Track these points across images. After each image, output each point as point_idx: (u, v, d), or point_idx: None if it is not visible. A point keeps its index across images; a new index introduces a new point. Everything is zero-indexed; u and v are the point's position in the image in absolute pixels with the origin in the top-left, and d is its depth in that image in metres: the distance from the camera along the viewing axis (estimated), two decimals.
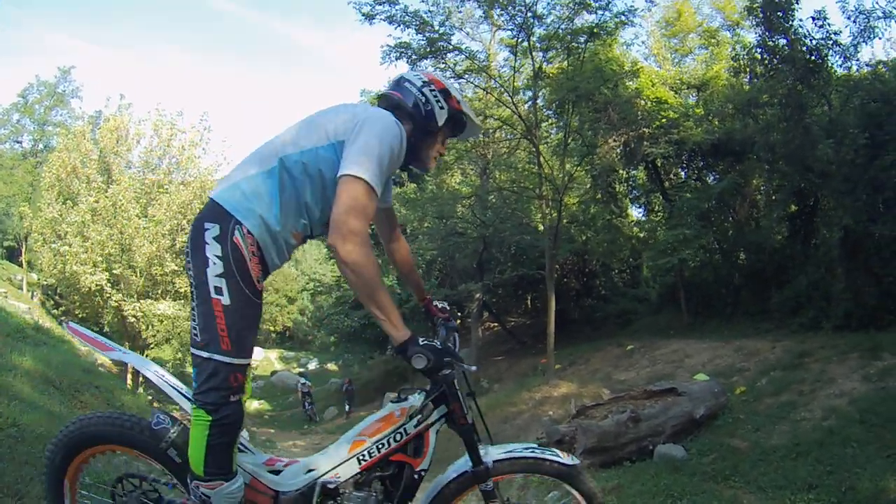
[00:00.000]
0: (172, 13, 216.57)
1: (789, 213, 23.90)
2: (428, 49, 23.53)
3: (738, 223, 26.99)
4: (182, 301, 32.22)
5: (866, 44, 19.62)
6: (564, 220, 26.64)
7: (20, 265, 55.01)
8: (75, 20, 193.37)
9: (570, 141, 24.89)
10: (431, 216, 33.68)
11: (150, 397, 31.68)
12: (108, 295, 30.84)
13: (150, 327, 32.12)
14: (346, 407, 40.66)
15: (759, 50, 21.14)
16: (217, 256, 3.31)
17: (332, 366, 59.06)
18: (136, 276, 31.30)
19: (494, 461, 3.81)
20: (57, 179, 32.49)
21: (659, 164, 27.52)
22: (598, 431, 11.80)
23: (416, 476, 3.76)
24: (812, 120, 19.50)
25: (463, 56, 25.19)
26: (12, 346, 10.77)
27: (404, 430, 3.72)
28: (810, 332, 18.19)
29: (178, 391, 3.82)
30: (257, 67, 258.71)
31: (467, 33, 26.99)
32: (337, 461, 3.64)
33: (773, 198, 25.47)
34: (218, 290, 3.30)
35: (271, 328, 74.27)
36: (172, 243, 32.09)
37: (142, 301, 31.52)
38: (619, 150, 27.30)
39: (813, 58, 19.30)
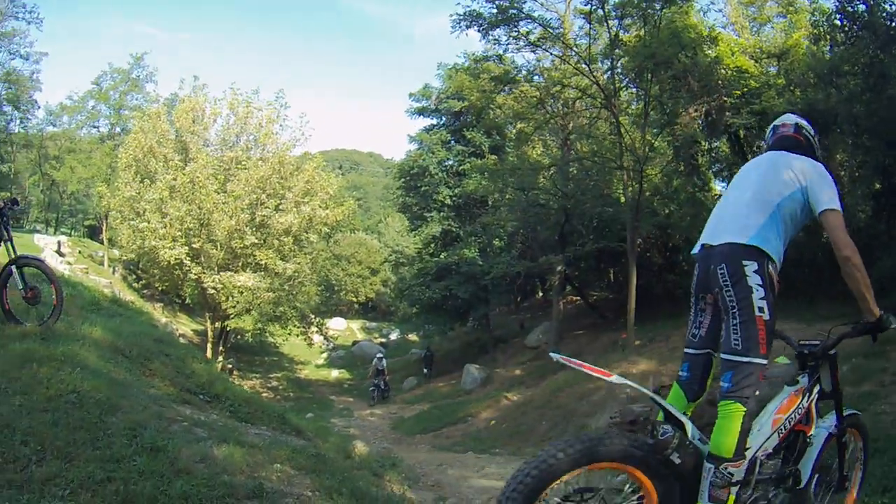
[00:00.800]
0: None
1: (874, 190, 23.05)
2: (499, 17, 23.32)
3: None
4: (261, 273, 32.94)
5: None
6: (647, 193, 26.28)
7: (101, 242, 56.81)
8: (150, 7, 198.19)
9: (650, 110, 24.44)
10: (513, 187, 33.62)
11: (229, 366, 32.45)
12: (187, 268, 31.69)
13: (229, 298, 32.74)
14: (425, 371, 41.41)
15: (838, 17, 20.48)
16: (759, 285, 4.15)
17: (413, 336, 59.55)
18: (215, 250, 31.94)
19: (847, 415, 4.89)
20: (134, 160, 33.33)
21: (741, 136, 26.91)
22: None
23: (807, 440, 4.60)
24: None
25: (536, 25, 24.86)
26: (85, 317, 11.00)
27: (802, 405, 4.53)
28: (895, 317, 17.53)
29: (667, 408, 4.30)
30: (330, 46, 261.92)
31: (541, 3, 26.71)
32: (765, 437, 4.25)
33: (857, 174, 24.57)
34: (761, 310, 4.11)
35: (353, 299, 75.00)
36: (252, 217, 32.71)
37: (222, 273, 32.18)
38: (700, 121, 26.76)
39: (894, 24, 18.55)
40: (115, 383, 7.31)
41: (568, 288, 38.67)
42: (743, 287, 4.16)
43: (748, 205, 4.50)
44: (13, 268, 8.65)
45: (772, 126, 5.10)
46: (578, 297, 42.54)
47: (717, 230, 4.54)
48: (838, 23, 20.57)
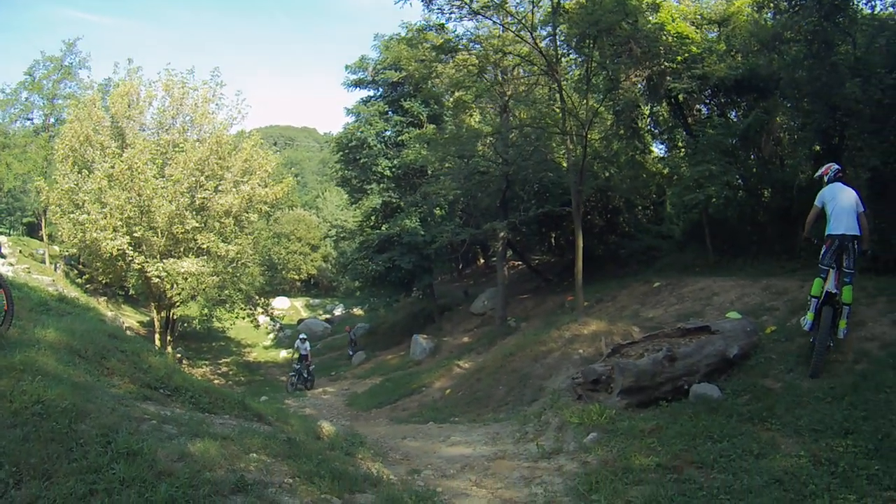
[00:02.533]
0: None
1: (815, 152, 23.39)
2: None
3: (762, 161, 26.48)
4: (204, 257, 32.57)
5: None
6: (588, 157, 26.39)
7: (41, 239, 55.76)
8: None
9: (592, 77, 24.55)
10: (452, 156, 33.61)
11: (178, 356, 32.22)
12: (130, 258, 31.12)
13: (174, 286, 32.49)
14: (350, 353, 42.42)
15: None
16: (860, 250, 11.19)
17: (358, 310, 59.63)
18: (157, 237, 31.51)
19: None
20: (70, 150, 32.61)
21: (682, 100, 27.09)
22: (636, 370, 11.76)
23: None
24: (838, 58, 19.14)
25: None
26: (35, 319, 10.87)
27: None
28: None
29: None
30: (261, 19, 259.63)
31: None
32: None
33: (798, 136, 24.85)
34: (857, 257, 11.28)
35: (296, 277, 74.81)
36: (192, 200, 32.29)
37: (165, 261, 31.75)
38: (641, 86, 26.92)
39: None
40: (78, 388, 7.20)
41: (510, 253, 38.82)
42: (854, 250, 10.89)
43: (849, 214, 10.91)
44: None
45: (835, 168, 11.54)
46: (521, 262, 42.97)
47: (844, 226, 10.89)
48: None
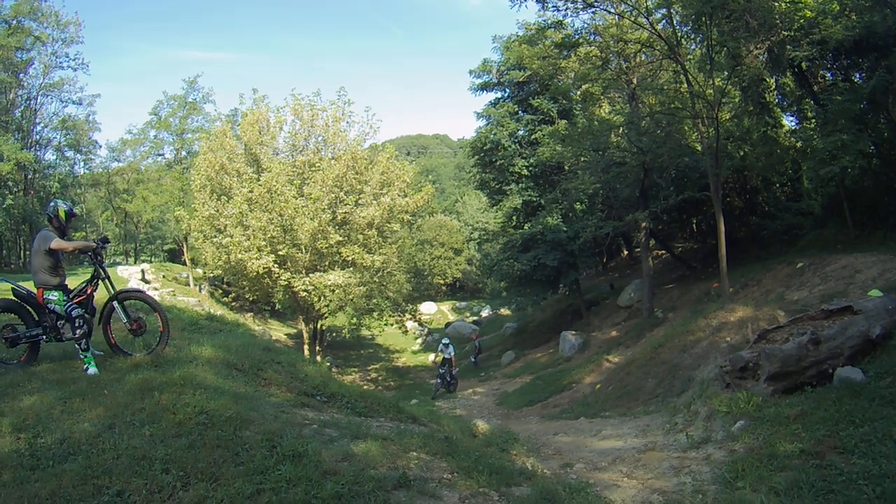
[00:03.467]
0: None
1: None
2: None
3: (893, 124, 25.58)
4: (350, 269, 33.58)
5: None
6: (721, 138, 26.16)
7: (183, 264, 58.44)
8: (196, 33, 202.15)
9: (714, 55, 24.37)
10: (587, 150, 33.68)
11: (328, 363, 33.26)
12: (276, 275, 32.55)
13: (321, 298, 33.53)
14: (473, 360, 43.12)
15: None
16: None
17: (504, 311, 59.93)
18: (301, 253, 32.83)
19: None
20: (207, 179, 34.54)
21: (805, 68, 26.56)
22: (781, 356, 11.76)
23: None
24: None
25: None
26: (189, 338, 11.63)
27: None
28: None
29: None
30: (381, 36, 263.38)
31: None
32: None
33: None
34: None
35: (440, 281, 75.60)
36: (333, 216, 33.41)
37: (311, 275, 32.99)
38: (763, 59, 26.50)
39: None
40: (239, 398, 7.77)
41: (652, 242, 38.57)
42: None
43: None
44: (115, 303, 9.22)
45: None
46: (664, 251, 42.65)
47: None
48: None
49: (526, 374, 33.57)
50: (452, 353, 32.93)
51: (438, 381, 32.44)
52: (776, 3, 24.82)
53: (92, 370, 8.55)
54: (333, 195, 33.45)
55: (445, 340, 34.16)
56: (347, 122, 37.54)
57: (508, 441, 10.28)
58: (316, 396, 9.89)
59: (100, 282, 9.15)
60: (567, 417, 19.08)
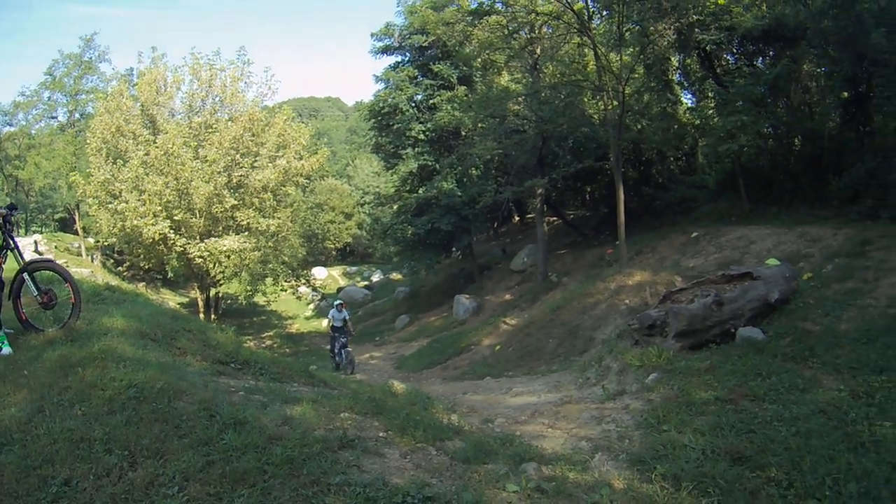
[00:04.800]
0: None
1: (842, 99, 23.72)
2: None
3: (792, 109, 26.66)
4: (245, 234, 33.25)
5: None
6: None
7: (75, 233, 56.24)
8: None
9: (623, 31, 24.89)
10: (487, 116, 33.88)
11: (233, 328, 32.87)
12: (172, 241, 31.80)
13: (217, 265, 33.08)
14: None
15: None
16: None
17: (396, 275, 60.12)
18: (196, 218, 32.15)
19: None
20: (103, 142, 33.23)
21: (710, 51, 27.35)
22: (688, 315, 12.57)
23: None
24: (863, 8, 19.41)
25: None
26: (95, 309, 11.17)
27: None
28: (868, 221, 18.45)
29: None
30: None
31: None
32: None
33: (826, 84, 25.21)
34: None
35: (331, 246, 75.30)
36: (229, 179, 32.96)
37: (206, 241, 32.51)
38: (671, 39, 27.19)
39: None
40: (165, 368, 7.56)
41: (546, 209, 39.18)
42: None
43: None
44: (25, 275, 8.63)
45: None
46: (557, 218, 43.22)
47: None
48: None
49: (422, 337, 33.94)
50: (347, 317, 25.79)
51: (337, 356, 25.45)
52: None
53: (6, 350, 8.14)
54: (230, 157, 32.95)
55: (337, 301, 27.24)
56: (246, 83, 37.20)
57: (427, 400, 10.50)
58: (230, 364, 9.82)
59: (9, 252, 8.54)
60: (471, 378, 19.55)
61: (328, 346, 28.07)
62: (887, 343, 10.19)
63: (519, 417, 10.40)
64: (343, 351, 25.18)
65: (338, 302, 27.17)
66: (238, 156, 33.33)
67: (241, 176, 33.33)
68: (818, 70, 25.87)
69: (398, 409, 8.57)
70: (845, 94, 23.20)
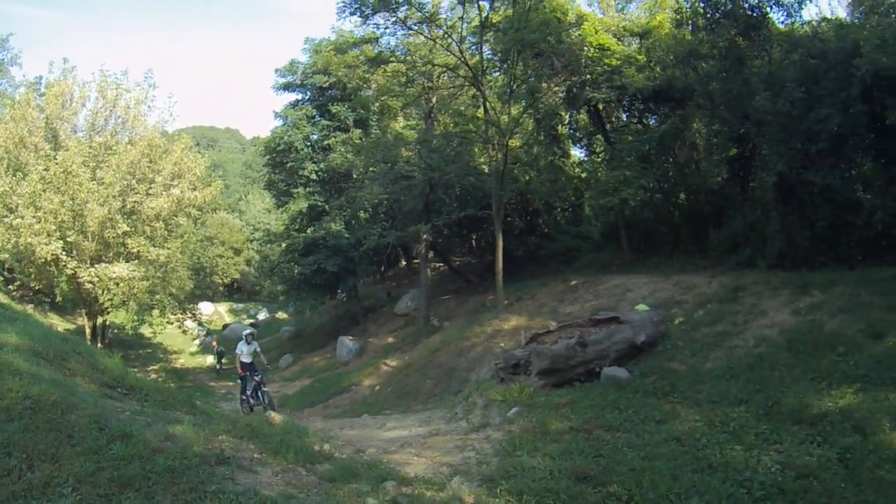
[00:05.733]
0: None
1: (728, 156, 24.93)
2: (381, 3, 24.19)
3: (678, 165, 27.90)
4: (135, 262, 32.31)
5: (811, 1, 20.61)
6: (509, 162, 27.45)
7: None
8: None
9: (514, 87, 25.66)
10: (378, 161, 34.33)
11: (121, 355, 32.09)
12: (63, 263, 30.71)
13: (105, 291, 32.00)
14: (217, 367, 42.62)
15: (701, 4, 21.95)
16: None
17: (281, 314, 59.68)
18: (88, 242, 31.13)
19: None
20: (5, 151, 31.94)
21: (601, 108, 28.28)
22: (551, 354, 13.18)
23: None
24: (751, 72, 20.53)
25: (415, 10, 25.72)
26: None
27: None
28: (746, 270, 19.32)
29: None
30: (207, 21, 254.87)
31: None
32: None
33: (713, 141, 26.42)
34: None
35: (219, 281, 74.26)
36: (123, 204, 32.03)
37: (97, 266, 31.45)
38: (561, 95, 28.03)
39: (754, 14, 20.32)
40: (58, 384, 8.05)
41: (431, 255, 39.51)
42: None
43: None
44: None
45: None
46: (442, 264, 43.72)
47: None
48: (701, 10, 22.02)
49: (305, 377, 33.84)
50: (258, 349, 22.08)
51: (252, 398, 21.03)
52: (585, 48, 26.42)
53: None
54: (125, 182, 32.20)
55: (246, 331, 23.94)
56: (149, 107, 36.44)
57: (303, 431, 10.74)
58: (117, 388, 10.07)
59: None
60: (350, 416, 19.70)
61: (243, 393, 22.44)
62: (749, 378, 10.87)
63: (389, 448, 10.75)
64: (260, 392, 20.73)
65: (247, 332, 23.24)
66: (134, 181, 32.66)
67: (135, 202, 32.53)
68: (706, 129, 27.06)
69: (272, 435, 8.89)
70: (733, 150, 24.38)
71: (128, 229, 31.96)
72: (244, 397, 21.33)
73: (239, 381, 22.03)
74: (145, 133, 35.12)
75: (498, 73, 29.46)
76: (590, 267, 28.90)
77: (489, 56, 27.18)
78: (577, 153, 36.39)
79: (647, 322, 14.35)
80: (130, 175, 32.55)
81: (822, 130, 17.90)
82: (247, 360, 21.30)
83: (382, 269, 55.84)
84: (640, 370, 12.94)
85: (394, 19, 25.31)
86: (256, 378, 20.78)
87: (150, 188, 33.24)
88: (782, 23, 21.50)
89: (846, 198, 17.72)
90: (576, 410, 10.65)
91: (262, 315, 66.48)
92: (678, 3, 27.04)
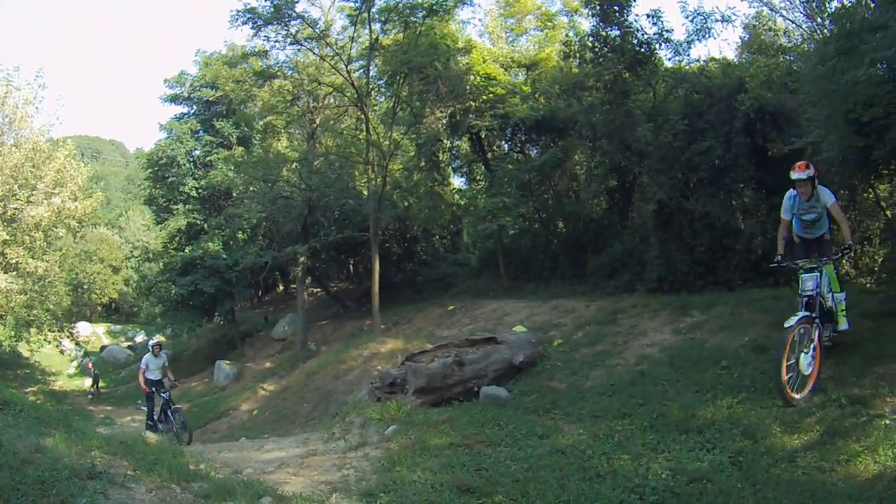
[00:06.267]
0: None
1: (609, 187, 25.58)
2: (274, 14, 24.07)
3: (557, 195, 28.43)
4: (13, 273, 30.88)
5: (701, 42, 21.36)
6: (388, 187, 27.71)
7: None
8: None
9: (398, 110, 25.88)
10: (258, 180, 34.12)
11: None
12: None
13: None
14: (91, 391, 41.31)
15: (591, 38, 22.52)
16: None
17: (159, 337, 58.52)
18: None
19: None
20: None
21: (483, 136, 28.58)
22: (427, 373, 13.17)
23: None
24: (634, 105, 21.31)
25: (304, 24, 25.69)
26: None
27: None
28: (625, 294, 19.75)
29: None
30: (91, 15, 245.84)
31: (310, 2, 27.53)
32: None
33: (595, 172, 26.75)
34: None
35: (98, 300, 72.25)
36: (3, 210, 30.53)
37: None
38: (444, 121, 28.33)
39: (642, 49, 20.95)
40: None
41: (309, 280, 39.45)
42: None
43: None
44: None
45: None
46: (320, 289, 43.78)
47: None
48: (590, 43, 22.56)
49: (182, 401, 32.24)
50: (166, 363, 19.85)
51: (160, 422, 19.10)
52: (471, 77, 26.80)
53: None
54: (7, 187, 30.46)
55: (152, 341, 21.01)
56: (37, 108, 34.06)
57: (178, 451, 10.59)
58: None
59: None
60: (228, 440, 19.39)
61: (142, 406, 22.09)
62: (632, 394, 11.01)
63: (266, 469, 10.61)
64: (171, 412, 18.91)
65: (153, 342, 20.50)
66: (16, 186, 30.88)
67: (15, 209, 30.83)
68: (587, 160, 27.65)
69: (147, 452, 8.68)
70: (613, 182, 25.07)
71: (7, 238, 30.36)
72: (151, 422, 19.11)
73: (141, 404, 21.04)
74: (31, 136, 33.01)
75: (383, 99, 29.72)
76: (467, 293, 29.13)
77: (375, 78, 27.31)
78: (457, 181, 36.94)
79: (525, 343, 14.60)
80: (13, 179, 30.79)
81: (703, 161, 18.60)
82: (154, 376, 19.21)
83: (260, 293, 55.54)
84: (519, 389, 13.10)
85: (285, 33, 25.22)
86: (164, 396, 18.87)
87: (32, 195, 31.60)
88: (669, 59, 22.18)
89: (726, 224, 18.30)
90: (455, 427, 10.65)
91: (140, 338, 64.84)
92: (567, 36, 27.71)
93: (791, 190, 10.08)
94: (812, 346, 9.03)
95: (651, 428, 9.35)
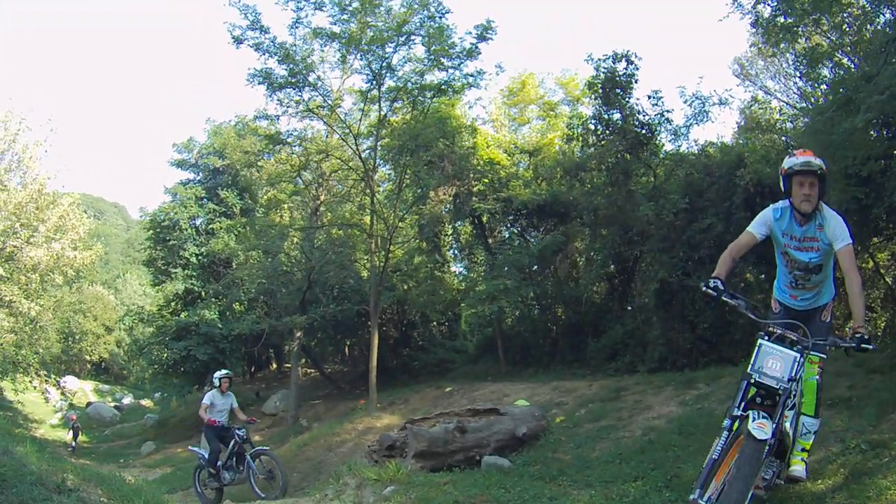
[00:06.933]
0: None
1: (608, 272, 25.67)
2: (289, 80, 24.19)
3: (557, 280, 28.40)
4: (6, 311, 30.63)
5: (699, 125, 21.55)
6: (388, 269, 27.55)
7: None
8: None
9: (403, 185, 25.88)
10: (258, 251, 34.50)
11: None
12: None
13: None
14: (72, 445, 39.51)
15: (593, 121, 22.92)
16: None
17: (147, 401, 57.92)
18: None
19: None
20: None
21: (485, 220, 28.82)
22: (429, 436, 12.54)
23: None
24: (636, 187, 21.56)
25: (316, 94, 25.82)
26: None
27: None
28: (626, 374, 19.44)
29: None
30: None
31: (318, 77, 27.67)
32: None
33: (595, 258, 26.84)
34: None
35: (88, 357, 71.72)
36: (3, 246, 30.40)
37: None
38: (448, 203, 28.32)
39: (643, 131, 21.29)
40: None
41: (304, 360, 39.04)
42: None
43: None
44: None
45: None
46: (314, 370, 43.60)
47: None
48: (592, 126, 22.83)
49: (166, 465, 32.23)
50: (234, 403, 16.01)
51: (229, 471, 15.74)
52: (475, 159, 26.88)
53: None
54: (9, 223, 30.36)
55: (221, 373, 16.21)
56: (46, 151, 34.67)
57: (157, 489, 10.15)
58: None
59: None
60: None
61: (194, 448, 18.99)
62: (642, 460, 10.44)
63: None
64: (250, 456, 15.25)
65: (222, 374, 16.02)
66: (18, 224, 30.84)
67: (15, 247, 30.69)
68: (588, 244, 27.73)
69: (122, 484, 8.33)
70: (612, 266, 25.07)
71: (3, 274, 30.18)
72: (213, 469, 15.43)
73: (197, 444, 16.79)
74: (38, 177, 33.02)
75: (389, 179, 29.85)
76: (465, 377, 28.85)
77: (382, 151, 27.68)
78: (457, 267, 37.29)
79: (528, 416, 14.08)
80: (16, 217, 30.73)
81: (704, 238, 18.69)
82: (220, 419, 15.31)
83: (252, 369, 55.13)
84: (522, 460, 12.53)
85: (297, 99, 25.32)
86: (239, 434, 14.97)
87: (33, 236, 31.48)
88: (670, 142, 22.63)
89: None
90: (458, 488, 9.93)
91: (128, 400, 64.32)
92: (570, 120, 28.20)
93: (781, 202, 6.68)
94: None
95: (667, 487, 8.72)
